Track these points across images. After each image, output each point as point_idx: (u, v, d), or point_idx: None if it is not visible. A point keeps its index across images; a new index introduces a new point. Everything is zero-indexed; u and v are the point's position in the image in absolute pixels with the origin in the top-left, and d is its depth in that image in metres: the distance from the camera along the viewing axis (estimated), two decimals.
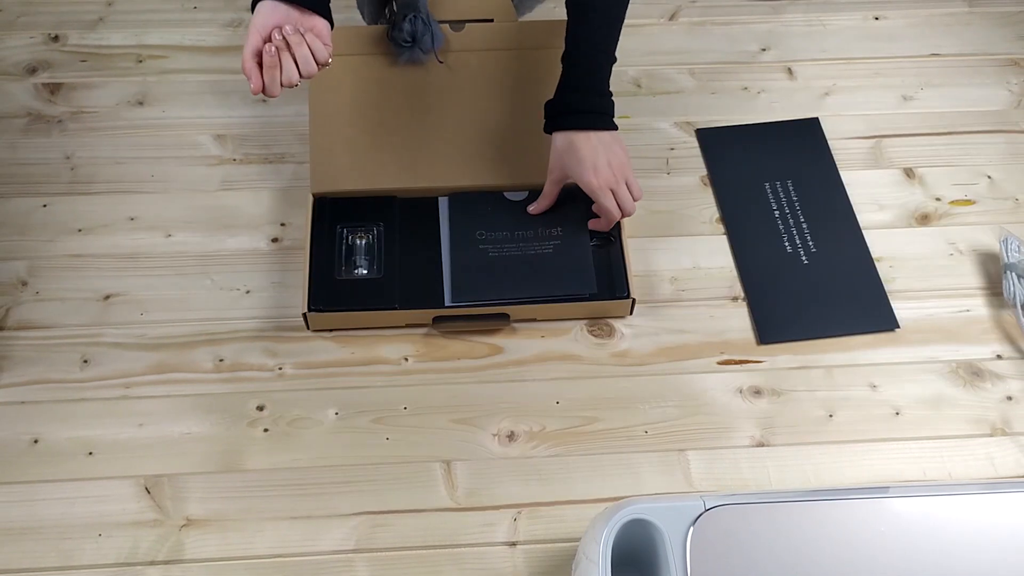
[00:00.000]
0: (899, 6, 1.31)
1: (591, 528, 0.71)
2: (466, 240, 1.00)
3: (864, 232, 1.08)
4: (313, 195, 1.03)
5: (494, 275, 0.97)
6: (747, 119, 1.18)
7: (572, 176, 0.94)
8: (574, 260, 0.98)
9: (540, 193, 1.00)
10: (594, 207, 0.97)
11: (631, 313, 1.00)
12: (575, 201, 0.99)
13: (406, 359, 0.98)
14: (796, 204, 1.10)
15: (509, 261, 0.98)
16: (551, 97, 0.94)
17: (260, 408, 0.94)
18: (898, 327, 1.01)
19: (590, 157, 0.92)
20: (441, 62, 1.03)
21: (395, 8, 1.01)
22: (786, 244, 1.06)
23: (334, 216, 1.02)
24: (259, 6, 0.80)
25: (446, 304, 0.97)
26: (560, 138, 0.93)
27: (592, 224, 0.99)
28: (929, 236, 1.08)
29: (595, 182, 0.93)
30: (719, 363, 0.98)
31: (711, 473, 0.91)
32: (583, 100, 0.92)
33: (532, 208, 1.00)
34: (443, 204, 1.03)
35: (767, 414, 0.95)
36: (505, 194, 1.03)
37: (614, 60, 0.94)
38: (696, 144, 1.16)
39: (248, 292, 1.02)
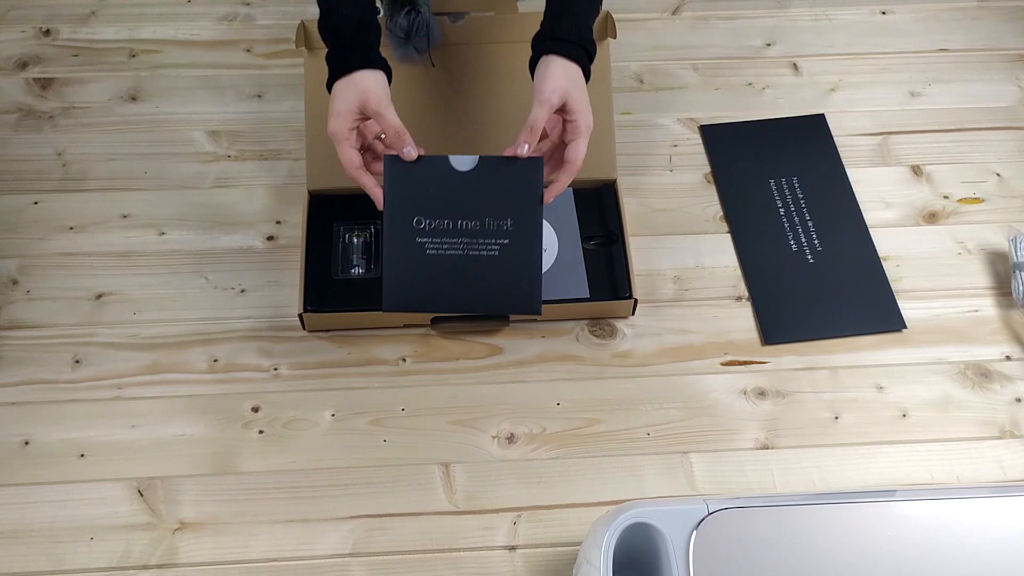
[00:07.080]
0: (906, 0, 1.29)
1: (592, 532, 0.70)
2: (404, 231, 0.88)
3: (871, 231, 1.06)
4: (309, 192, 1.02)
5: (432, 280, 0.89)
6: (751, 115, 1.17)
7: (574, 110, 0.85)
8: (522, 271, 0.89)
9: (492, 159, 0.88)
10: (569, 151, 0.87)
11: (633, 313, 0.99)
12: (528, 186, 0.87)
13: (404, 359, 0.97)
14: (801, 202, 1.08)
15: (449, 263, 0.89)
16: None
17: (255, 409, 0.93)
18: (905, 327, 0.99)
19: (586, 96, 0.87)
20: (434, 65, 1.02)
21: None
22: (791, 243, 1.05)
23: (330, 214, 1.01)
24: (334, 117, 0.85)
25: (384, 309, 0.91)
26: (565, 65, 0.86)
27: (550, 191, 0.88)
28: (937, 235, 1.07)
29: (591, 122, 0.87)
30: (723, 364, 0.97)
31: (714, 476, 0.90)
32: (589, 40, 0.88)
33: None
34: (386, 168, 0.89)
35: (771, 416, 0.94)
36: (451, 160, 0.88)
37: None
38: (700, 141, 1.15)
39: (243, 291, 1.01)
